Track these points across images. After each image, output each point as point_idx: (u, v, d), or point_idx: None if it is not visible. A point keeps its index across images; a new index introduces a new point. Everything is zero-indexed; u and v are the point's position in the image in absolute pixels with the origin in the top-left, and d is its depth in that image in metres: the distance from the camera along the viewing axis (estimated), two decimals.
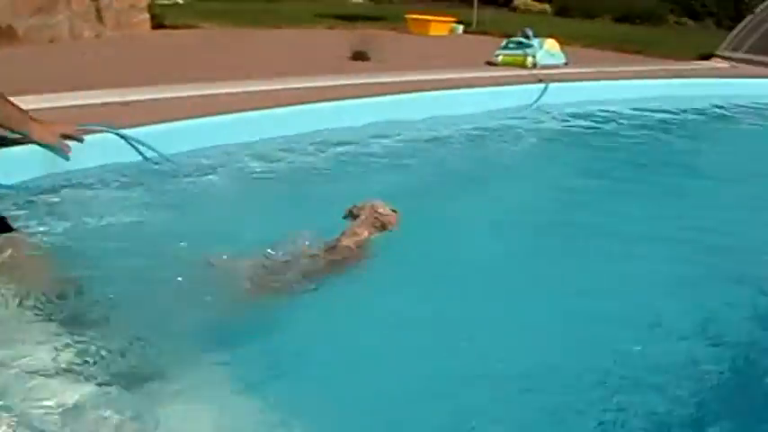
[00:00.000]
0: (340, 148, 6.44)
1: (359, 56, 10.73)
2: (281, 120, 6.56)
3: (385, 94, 7.65)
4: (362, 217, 4.15)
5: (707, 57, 13.80)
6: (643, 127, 8.80)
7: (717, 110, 9.88)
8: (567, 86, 9.40)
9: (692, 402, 2.92)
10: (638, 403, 2.88)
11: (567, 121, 8.59)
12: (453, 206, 4.80)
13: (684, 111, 9.58)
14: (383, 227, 4.13)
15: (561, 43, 11.44)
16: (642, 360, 3.18)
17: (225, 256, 3.70)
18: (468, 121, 7.83)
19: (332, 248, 3.92)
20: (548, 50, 10.72)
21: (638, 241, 4.53)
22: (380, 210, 4.19)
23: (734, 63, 13.13)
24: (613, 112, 9.05)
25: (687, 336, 3.42)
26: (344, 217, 4.22)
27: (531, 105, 8.79)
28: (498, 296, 3.66)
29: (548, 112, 8.72)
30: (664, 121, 9.14)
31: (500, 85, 8.94)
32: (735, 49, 13.78)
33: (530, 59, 10.40)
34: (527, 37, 10.67)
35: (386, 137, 6.90)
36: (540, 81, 9.18)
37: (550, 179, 6.10)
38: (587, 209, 5.24)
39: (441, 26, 16.27)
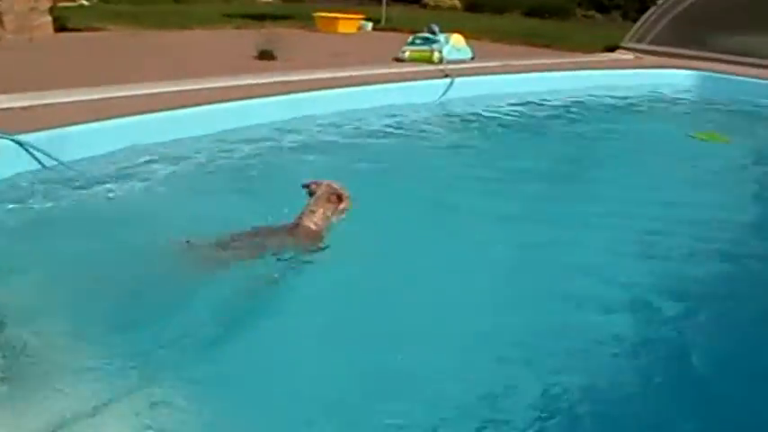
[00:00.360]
0: (244, 148, 6.48)
1: (265, 55, 10.73)
2: (182, 121, 6.57)
3: (289, 92, 7.69)
4: (318, 193, 4.39)
5: (612, 49, 14.20)
6: (546, 117, 9.06)
7: (619, 99, 10.20)
8: (472, 80, 9.58)
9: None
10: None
11: (472, 113, 8.76)
12: (363, 199, 4.85)
13: (587, 100, 9.91)
14: (339, 200, 4.37)
15: (470, 38, 11.63)
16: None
17: (187, 239, 3.99)
18: (374, 116, 7.93)
19: (294, 228, 4.21)
20: (454, 45, 10.87)
21: (549, 225, 4.92)
22: (334, 185, 4.44)
23: (638, 54, 13.54)
24: (518, 103, 9.29)
25: (596, 307, 3.84)
26: (304, 186, 4.47)
27: (437, 100, 8.97)
28: (410, 282, 3.94)
29: (454, 106, 8.92)
30: (567, 110, 9.43)
31: (407, 81, 9.07)
32: (639, 41, 14.22)
33: (436, 55, 10.51)
34: (433, 33, 10.80)
35: (291, 134, 6.97)
36: (447, 76, 9.35)
37: (455, 170, 6.26)
38: (490, 196, 5.49)
39: (349, 23, 16.34)
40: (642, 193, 5.84)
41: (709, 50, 12.79)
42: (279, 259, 3.99)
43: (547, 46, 14.62)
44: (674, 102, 10.50)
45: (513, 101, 9.30)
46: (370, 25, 16.98)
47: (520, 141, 7.65)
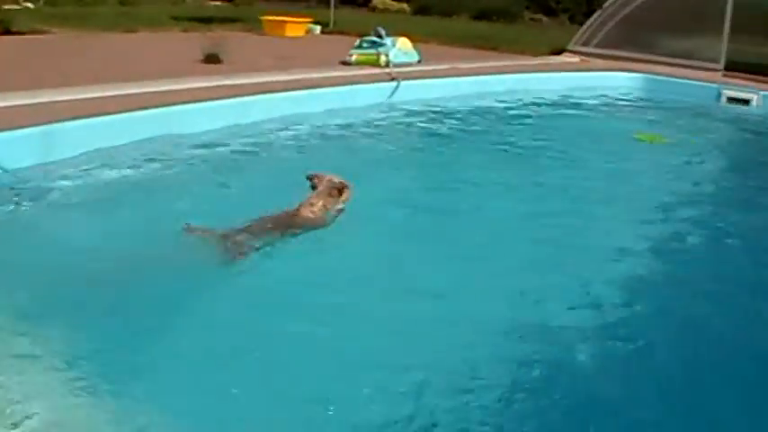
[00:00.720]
0: (185, 152, 6.48)
1: (211, 59, 10.72)
2: (120, 125, 6.51)
3: (233, 96, 7.73)
4: (320, 188, 4.89)
5: (559, 52, 14.51)
6: (492, 120, 9.22)
7: (564, 101, 10.48)
8: (419, 83, 9.74)
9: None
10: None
11: (418, 116, 8.87)
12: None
13: (532, 103, 10.10)
14: (339, 193, 4.88)
15: (417, 42, 11.78)
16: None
17: (199, 228, 4.44)
18: (319, 119, 8.00)
19: (293, 216, 4.72)
20: (400, 48, 11.01)
21: (490, 229, 5.14)
22: (335, 180, 4.95)
23: (584, 57, 13.81)
24: (464, 106, 9.44)
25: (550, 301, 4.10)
26: (308, 178, 4.98)
27: (383, 103, 9.08)
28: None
29: (400, 109, 9.00)
30: (512, 113, 9.61)
31: (353, 84, 9.18)
32: (585, 44, 14.52)
33: (383, 58, 10.65)
34: (380, 36, 10.94)
35: (233, 139, 6.98)
36: (393, 79, 9.49)
37: (400, 173, 6.39)
38: (433, 199, 5.71)
39: (297, 27, 16.40)
40: (582, 191, 6.12)
41: (654, 53, 13.16)
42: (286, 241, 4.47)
43: (494, 49, 14.84)
44: (618, 103, 10.80)
45: (459, 104, 9.48)
46: (318, 28, 17.05)
47: (464, 144, 7.79)
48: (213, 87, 8.07)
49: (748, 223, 5.67)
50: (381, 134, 7.93)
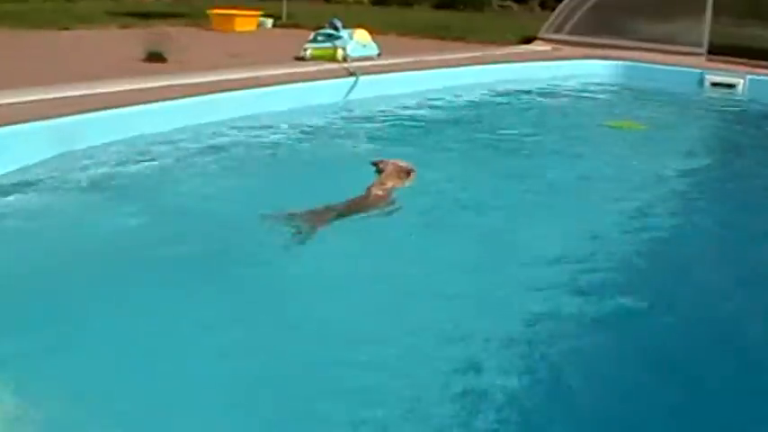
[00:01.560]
0: (123, 159, 6.33)
1: (154, 57, 10.58)
2: (54, 132, 6.34)
3: (178, 97, 7.59)
4: (388, 170, 5.80)
5: (529, 40, 14.56)
6: (458, 114, 9.22)
7: (535, 92, 10.49)
8: (379, 79, 9.67)
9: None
10: None
11: (379, 113, 8.83)
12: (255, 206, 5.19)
13: (501, 95, 10.15)
14: (408, 174, 5.79)
15: (376, 33, 11.72)
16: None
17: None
18: (271, 120, 7.87)
19: (365, 196, 5.46)
20: (358, 41, 10.88)
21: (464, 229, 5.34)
22: (401, 164, 5.90)
23: (556, 45, 13.85)
24: (428, 101, 9.42)
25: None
26: (373, 164, 5.95)
27: (341, 100, 9.02)
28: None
29: (359, 107, 8.98)
30: (479, 106, 9.66)
31: (308, 81, 9.08)
32: (557, 31, 14.58)
33: (340, 52, 10.52)
34: (335, 28, 10.81)
35: (177, 144, 6.86)
36: (352, 74, 9.43)
37: (361, 175, 6.19)
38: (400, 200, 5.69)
39: (247, 21, 16.30)
40: (553, 183, 6.32)
41: (631, 38, 13.28)
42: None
43: (459, 39, 14.84)
44: (592, 92, 10.88)
45: (422, 99, 9.45)
46: (269, 22, 16.96)
47: (428, 142, 7.74)
48: (156, 88, 7.90)
49: (728, 213, 5.91)
50: (337, 135, 7.84)
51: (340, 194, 5.37)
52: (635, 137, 8.58)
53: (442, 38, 14.87)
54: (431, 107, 9.23)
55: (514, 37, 14.63)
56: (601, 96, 10.76)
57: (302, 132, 7.69)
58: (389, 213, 5.33)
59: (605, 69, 11.77)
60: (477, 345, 3.64)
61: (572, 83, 11.05)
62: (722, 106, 10.56)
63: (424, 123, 8.54)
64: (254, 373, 3.34)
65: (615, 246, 5.09)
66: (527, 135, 8.23)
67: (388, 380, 3.33)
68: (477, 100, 9.80)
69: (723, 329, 3.99)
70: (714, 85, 11.23)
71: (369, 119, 8.61)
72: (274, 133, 7.50)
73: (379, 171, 5.84)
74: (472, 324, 3.86)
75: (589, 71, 11.65)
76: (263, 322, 3.79)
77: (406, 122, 8.50)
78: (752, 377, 3.57)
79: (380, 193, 5.52)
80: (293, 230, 4.80)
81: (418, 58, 11.01)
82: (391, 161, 5.91)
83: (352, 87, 9.18)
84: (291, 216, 4.95)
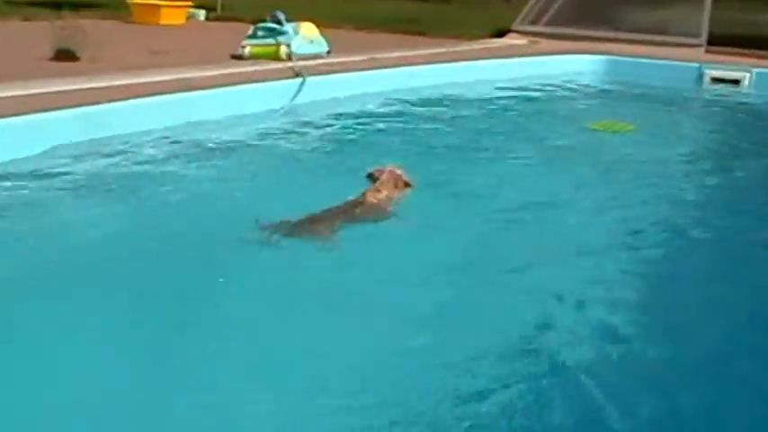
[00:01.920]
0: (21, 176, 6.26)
1: (63, 55, 10.42)
2: None
3: (93, 103, 7.47)
4: (384, 178, 6.09)
5: (503, 33, 14.60)
6: (420, 120, 9.19)
7: (509, 92, 10.52)
8: (330, 80, 9.69)
9: None
10: None
11: (329, 119, 8.85)
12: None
13: (470, 97, 10.22)
14: (406, 185, 6.15)
15: (329, 27, 11.79)
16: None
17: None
18: (202, 130, 7.79)
19: (359, 204, 5.75)
20: (305, 37, 10.85)
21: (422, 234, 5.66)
22: (398, 171, 6.21)
23: (533, 38, 13.90)
24: (385, 105, 9.46)
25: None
26: (367, 177, 6.23)
27: (284, 106, 8.94)
28: None
29: (306, 112, 8.96)
30: (442, 112, 9.62)
31: (247, 84, 9.04)
32: (534, 22, 14.68)
33: (283, 49, 10.49)
34: (278, 22, 10.75)
35: (85, 159, 6.77)
36: (298, 75, 9.41)
37: (309, 191, 6.34)
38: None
39: (174, 13, 16.20)
40: (526, 196, 6.46)
41: (619, 29, 13.48)
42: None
43: (424, 34, 14.87)
44: (574, 91, 10.97)
45: (379, 102, 9.50)
46: (202, 14, 16.91)
47: (384, 151, 7.63)
48: (64, 93, 7.77)
49: (729, 230, 5.98)
50: (282, 146, 7.80)
51: (285, 210, 5.45)
52: (622, 140, 8.64)
53: (405, 32, 14.84)
54: (384, 113, 9.22)
55: (486, 31, 14.59)
56: (584, 96, 10.85)
57: (238, 144, 7.63)
58: (382, 223, 5.73)
59: (589, 65, 11.88)
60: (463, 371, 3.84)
61: (551, 82, 11.08)
62: (725, 105, 10.59)
63: (377, 131, 8.56)
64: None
65: (596, 260, 5.29)
66: (495, 144, 8.28)
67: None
68: (438, 103, 9.80)
69: (724, 349, 4.27)
70: (715, 80, 11.34)
71: (315, 125, 8.63)
72: (197, 146, 7.42)
73: (373, 180, 6.16)
74: (455, 339, 4.13)
75: (571, 68, 11.71)
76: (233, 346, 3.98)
77: (358, 129, 8.55)
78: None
79: (374, 200, 5.84)
80: (273, 239, 5.10)
81: (372, 56, 11.01)
82: (389, 168, 6.23)
83: (299, 90, 9.14)
84: (273, 228, 5.20)
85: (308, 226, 5.31)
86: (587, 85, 11.26)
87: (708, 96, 11.06)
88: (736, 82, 11.26)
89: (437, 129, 8.85)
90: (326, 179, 6.72)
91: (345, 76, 9.92)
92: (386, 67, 10.53)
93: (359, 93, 9.66)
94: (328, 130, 8.59)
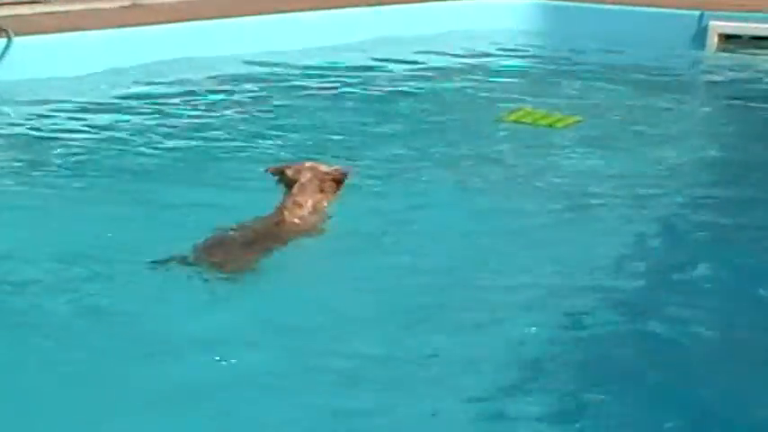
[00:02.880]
0: None
1: None
2: None
3: None
4: (303, 181, 4.81)
5: None
6: (249, 95, 7.50)
7: (390, 61, 8.45)
8: (55, 39, 7.84)
9: None
10: None
11: (49, 103, 7.14)
12: None
13: (331, 64, 8.31)
14: (337, 183, 4.86)
15: None
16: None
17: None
18: None
19: (277, 224, 4.67)
20: None
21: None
22: (323, 168, 4.90)
23: None
24: (160, 76, 7.66)
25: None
26: (277, 179, 4.92)
27: None
28: None
29: (17, 92, 7.36)
30: (251, 89, 7.66)
31: None
32: None
33: None
34: None
35: None
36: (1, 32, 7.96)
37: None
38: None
39: None
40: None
41: None
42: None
43: None
44: (489, 57, 8.84)
45: (144, 74, 7.70)
46: None
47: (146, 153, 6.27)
48: None
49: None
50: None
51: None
52: (563, 138, 6.76)
53: None
54: (161, 92, 7.42)
55: None
56: (504, 67, 8.58)
57: None
58: (310, 247, 4.74)
59: (515, 13, 9.42)
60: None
61: (453, 41, 8.92)
62: (743, 81, 8.14)
63: (125, 122, 6.89)
64: None
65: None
66: (370, 143, 6.54)
67: None
68: (249, 77, 7.97)
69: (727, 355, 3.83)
70: (726, 38, 8.65)
71: (32, 103, 7.13)
72: None
73: (288, 183, 4.87)
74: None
75: (486, 17, 9.32)
76: None
77: (96, 115, 6.94)
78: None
79: (296, 221, 4.69)
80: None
81: (135, 2, 9.03)
82: (307, 165, 4.93)
83: (4, 52, 7.66)
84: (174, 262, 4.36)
85: (208, 259, 4.34)
86: (509, 48, 8.87)
87: (712, 66, 8.43)
88: (763, 40, 8.41)
89: (269, 107, 7.26)
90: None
91: (80, 34, 7.90)
92: (170, 21, 8.40)
93: (107, 57, 7.63)
94: (53, 115, 6.87)
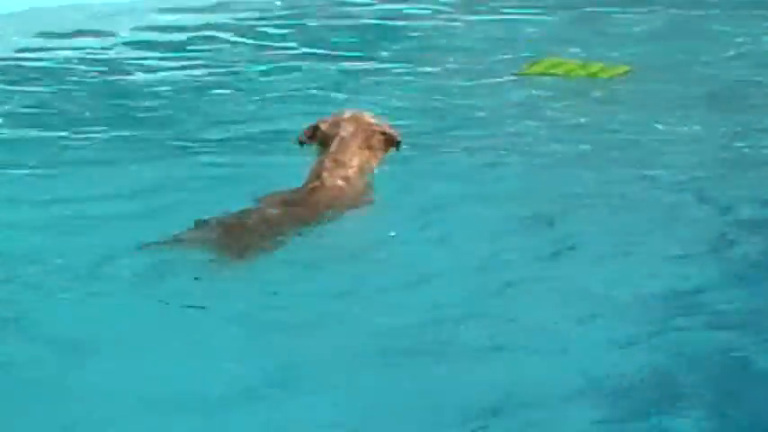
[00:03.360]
0: None
1: None
2: None
3: None
4: (344, 135, 4.36)
5: None
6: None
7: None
8: None
9: None
10: None
11: None
12: None
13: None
14: (388, 142, 4.46)
15: None
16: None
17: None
18: None
19: (312, 191, 4.26)
20: None
21: None
22: (369, 119, 4.48)
23: None
24: None
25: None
26: (301, 142, 4.54)
27: None
28: None
29: None
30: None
31: None
32: None
33: None
34: None
35: None
36: None
37: None
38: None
39: None
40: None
41: None
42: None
43: None
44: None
45: None
46: None
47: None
48: None
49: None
50: None
51: None
52: (606, 94, 6.57)
53: None
54: None
55: None
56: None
57: None
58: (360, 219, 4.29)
59: None
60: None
61: None
62: None
63: None
64: None
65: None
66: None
67: None
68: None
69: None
70: None
71: None
72: None
73: (324, 140, 4.39)
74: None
75: None
76: None
77: None
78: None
79: (339, 182, 4.26)
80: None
81: None
82: (347, 116, 4.43)
83: None
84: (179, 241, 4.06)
85: (227, 240, 3.89)
86: None
87: None
88: None
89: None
90: None
91: None
92: None
93: None
94: None
